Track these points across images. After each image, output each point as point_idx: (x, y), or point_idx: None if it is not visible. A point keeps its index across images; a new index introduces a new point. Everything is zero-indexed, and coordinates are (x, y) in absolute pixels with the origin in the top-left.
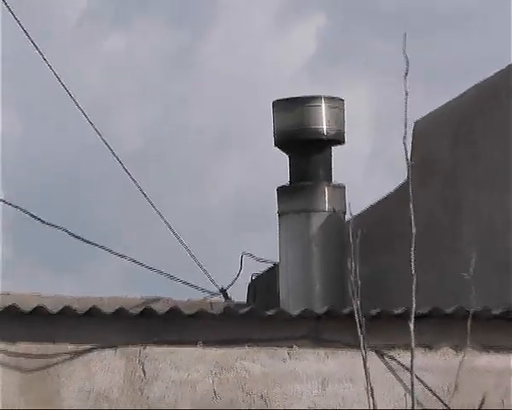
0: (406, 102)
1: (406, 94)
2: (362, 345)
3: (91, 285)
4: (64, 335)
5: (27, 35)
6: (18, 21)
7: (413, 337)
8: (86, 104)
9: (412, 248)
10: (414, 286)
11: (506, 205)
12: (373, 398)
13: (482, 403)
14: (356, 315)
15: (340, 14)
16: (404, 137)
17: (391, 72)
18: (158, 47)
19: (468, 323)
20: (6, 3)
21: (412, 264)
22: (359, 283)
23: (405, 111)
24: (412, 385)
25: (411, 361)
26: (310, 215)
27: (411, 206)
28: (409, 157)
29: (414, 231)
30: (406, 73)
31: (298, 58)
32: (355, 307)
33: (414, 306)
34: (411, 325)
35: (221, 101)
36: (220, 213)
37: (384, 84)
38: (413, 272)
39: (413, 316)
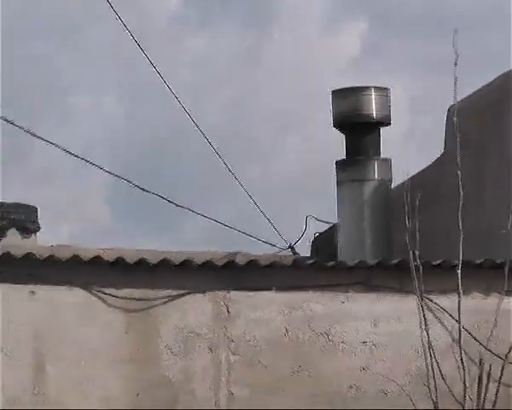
0: (455, 89)
1: (455, 80)
2: (416, 289)
3: (182, 241)
4: (161, 282)
5: (129, 32)
6: (120, 19)
7: (460, 283)
8: (176, 89)
9: (459, 209)
10: (461, 240)
11: None
12: (426, 332)
13: None
14: (411, 264)
15: (378, 19)
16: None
17: (418, 66)
18: (232, 44)
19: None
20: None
21: (460, 222)
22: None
23: (455, 95)
24: (459, 321)
25: (459, 303)
26: (362, 184)
27: (459, 172)
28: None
29: (461, 193)
30: (456, 63)
31: (345, 55)
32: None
33: (461, 256)
34: (459, 272)
35: (284, 90)
36: (289, 183)
37: (414, 77)
38: (460, 227)
39: (460, 265)
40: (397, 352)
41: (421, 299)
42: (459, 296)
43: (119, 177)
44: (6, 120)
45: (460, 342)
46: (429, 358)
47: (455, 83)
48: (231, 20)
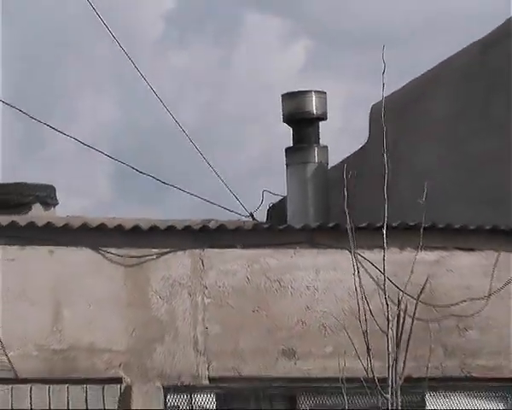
0: (383, 92)
1: (383, 85)
2: (352, 245)
3: (169, 213)
4: (152, 243)
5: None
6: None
7: (385, 240)
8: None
9: (385, 187)
10: (386, 207)
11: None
12: (359, 277)
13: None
14: (348, 227)
15: (320, 37)
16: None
17: (352, 74)
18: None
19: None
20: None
21: (385, 193)
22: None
23: (383, 97)
24: (384, 271)
25: (383, 256)
26: (306, 165)
27: (385, 156)
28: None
29: (387, 170)
30: (383, 72)
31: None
32: (348, 221)
33: (386, 218)
34: (384, 232)
35: (247, 93)
36: (251, 166)
37: (347, 84)
38: (385, 196)
39: (385, 227)
40: (334, 295)
41: (353, 253)
42: (384, 251)
43: (120, 161)
44: (7, 103)
45: (384, 287)
46: (360, 299)
47: (383, 88)
48: (205, 38)
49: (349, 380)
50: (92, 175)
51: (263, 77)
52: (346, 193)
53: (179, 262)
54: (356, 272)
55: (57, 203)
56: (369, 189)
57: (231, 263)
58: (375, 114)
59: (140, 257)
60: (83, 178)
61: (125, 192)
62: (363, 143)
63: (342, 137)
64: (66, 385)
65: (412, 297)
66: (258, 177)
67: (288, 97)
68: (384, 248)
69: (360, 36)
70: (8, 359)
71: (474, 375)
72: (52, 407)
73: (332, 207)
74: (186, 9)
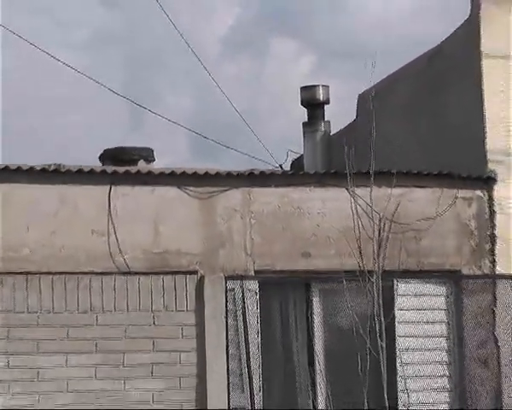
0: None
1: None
2: (349, 184)
3: (227, 165)
4: (217, 183)
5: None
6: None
7: (372, 181)
8: None
9: (372, 148)
10: (373, 164)
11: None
12: (354, 205)
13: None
14: (347, 171)
15: (320, 52)
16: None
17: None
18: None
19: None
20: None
21: (372, 151)
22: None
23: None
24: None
25: (370, 192)
26: (316, 134)
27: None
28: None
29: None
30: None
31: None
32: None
33: (371, 167)
34: (372, 175)
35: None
36: (279, 134)
37: (340, 82)
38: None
39: (372, 173)
40: (336, 216)
41: (349, 190)
42: (371, 188)
43: (193, 131)
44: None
45: (372, 214)
46: (355, 219)
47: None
48: (248, 53)
49: (346, 272)
50: (176, 142)
51: (285, 78)
52: (345, 150)
53: (235, 196)
54: (352, 202)
55: (154, 160)
56: (358, 149)
57: (268, 196)
58: (361, 101)
59: (209, 193)
60: (169, 144)
61: (197, 153)
62: (352, 120)
63: (338, 115)
64: (162, 276)
65: (387, 218)
66: (285, 142)
67: (304, 89)
68: (371, 186)
69: (348, 50)
70: (124, 260)
71: (425, 269)
72: (152, 290)
73: (333, 159)
74: (235, 35)
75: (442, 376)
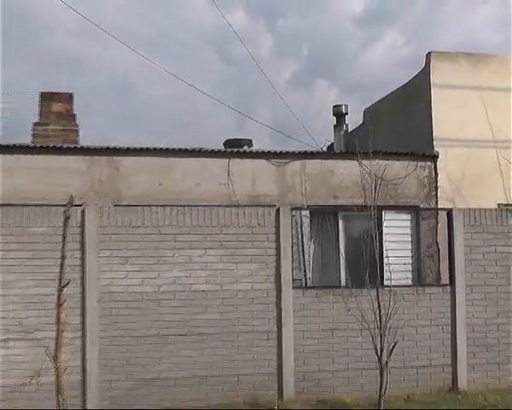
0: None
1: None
2: (358, 158)
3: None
4: (285, 157)
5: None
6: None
7: (371, 157)
8: None
9: (370, 143)
10: (369, 147)
11: (384, 132)
12: (361, 171)
13: (383, 172)
14: (357, 151)
15: (340, 87)
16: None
17: (354, 102)
18: None
19: None
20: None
21: (370, 143)
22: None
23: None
24: (370, 170)
25: (370, 163)
26: (340, 129)
27: (371, 130)
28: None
29: (370, 136)
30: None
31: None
32: (357, 149)
33: (370, 149)
34: (370, 152)
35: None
36: (319, 129)
37: (353, 105)
38: (370, 145)
39: (371, 152)
40: (351, 176)
41: (359, 162)
42: (370, 161)
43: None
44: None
45: (371, 174)
46: (362, 177)
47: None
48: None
49: (357, 206)
50: (262, 136)
51: (323, 104)
52: (358, 142)
53: (296, 164)
54: (360, 168)
55: (252, 145)
56: (363, 139)
57: (313, 165)
58: (365, 113)
59: (282, 163)
60: (259, 137)
61: (275, 141)
62: (360, 124)
63: (354, 121)
64: (257, 207)
65: (379, 177)
66: (324, 135)
67: (334, 107)
68: (370, 160)
69: (359, 85)
70: (237, 199)
71: (399, 205)
72: (251, 215)
73: (349, 145)
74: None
75: (408, 264)
